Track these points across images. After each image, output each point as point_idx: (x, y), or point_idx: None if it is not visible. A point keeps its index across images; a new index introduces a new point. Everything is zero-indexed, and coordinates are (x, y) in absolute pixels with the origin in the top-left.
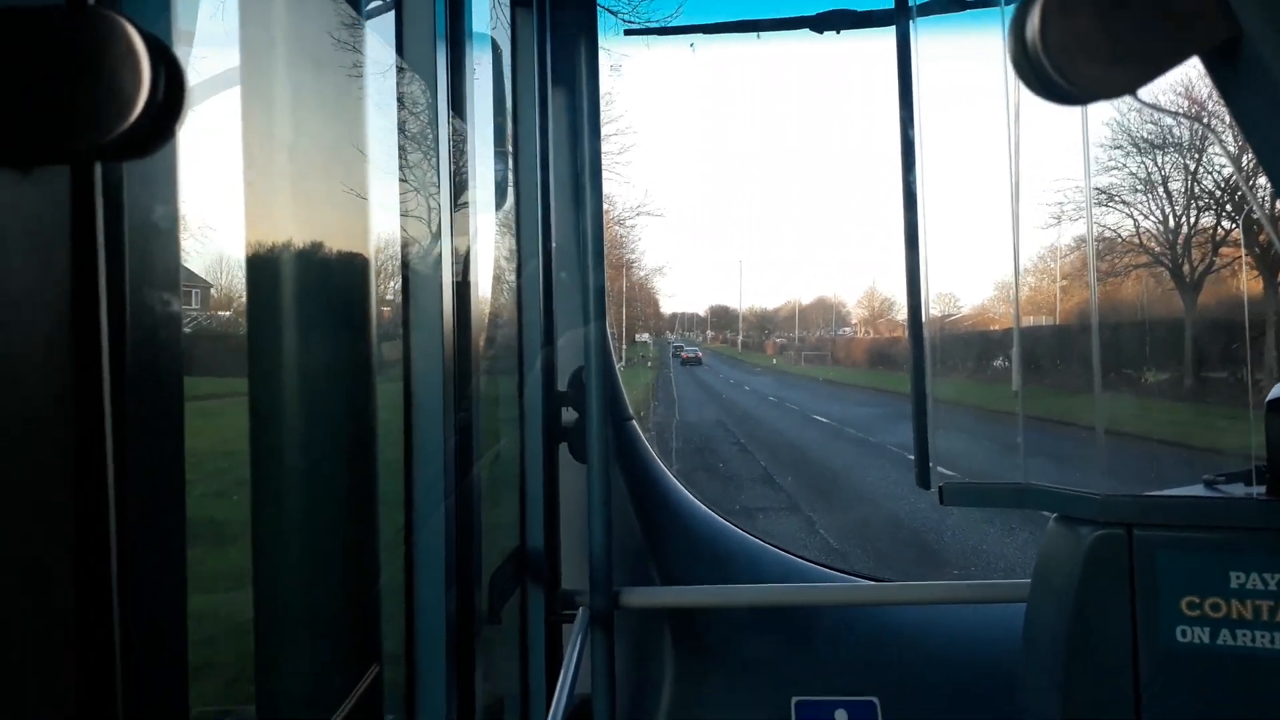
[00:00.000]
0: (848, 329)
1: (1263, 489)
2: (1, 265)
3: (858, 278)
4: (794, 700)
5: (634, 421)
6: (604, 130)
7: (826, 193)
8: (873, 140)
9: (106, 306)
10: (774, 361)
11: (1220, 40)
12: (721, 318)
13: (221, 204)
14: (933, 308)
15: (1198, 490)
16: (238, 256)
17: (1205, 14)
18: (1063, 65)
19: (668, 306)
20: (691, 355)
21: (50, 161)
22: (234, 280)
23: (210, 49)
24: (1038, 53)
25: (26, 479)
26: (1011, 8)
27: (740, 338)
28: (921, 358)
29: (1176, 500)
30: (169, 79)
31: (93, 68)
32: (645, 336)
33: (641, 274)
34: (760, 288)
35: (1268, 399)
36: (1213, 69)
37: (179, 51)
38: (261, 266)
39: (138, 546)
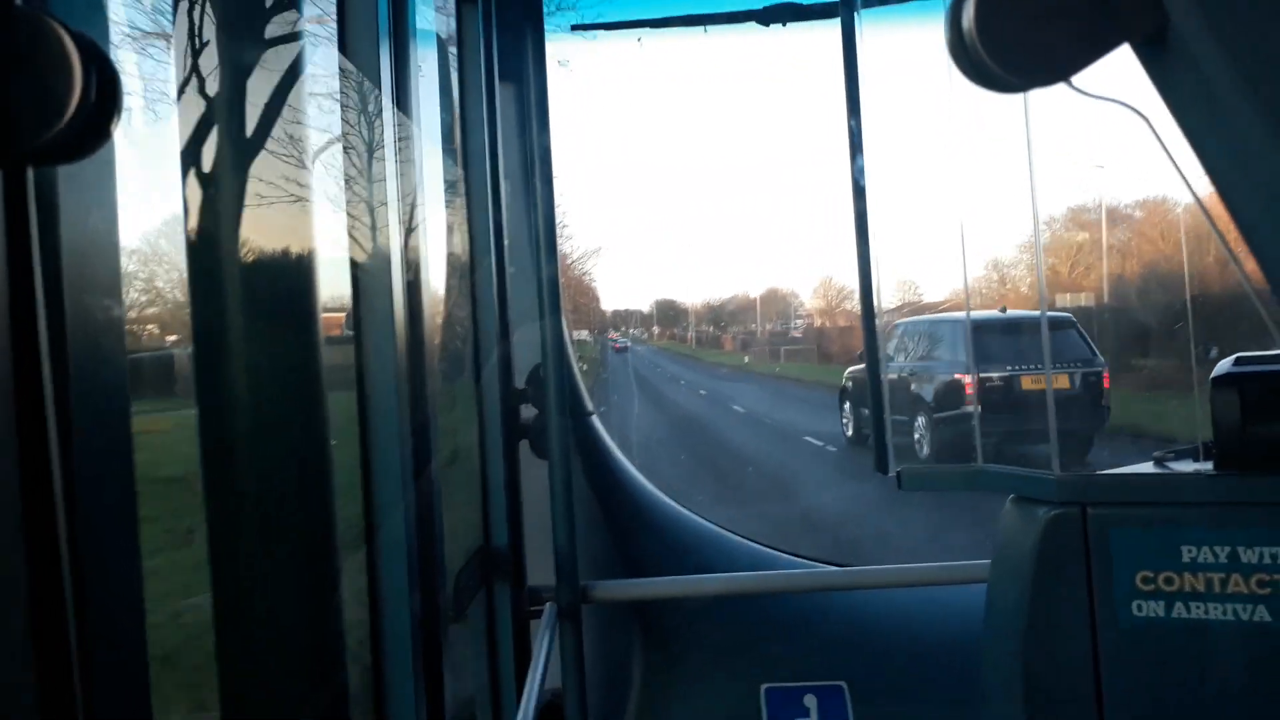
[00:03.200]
0: (799, 320)
1: (1210, 464)
2: None
3: (811, 268)
4: (764, 687)
5: (595, 416)
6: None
7: (776, 183)
8: (823, 131)
9: (45, 313)
10: (745, 360)
11: (1150, 28)
12: (668, 312)
13: (161, 207)
14: (893, 296)
15: (1148, 468)
16: (179, 260)
17: (1134, 2)
18: (998, 54)
19: (609, 302)
20: (622, 346)
21: None
22: (176, 283)
23: (144, 48)
24: (974, 41)
25: None
26: None
27: (692, 333)
28: (875, 346)
29: (1128, 478)
30: (102, 80)
31: (22, 70)
32: (584, 334)
33: (578, 256)
34: (708, 280)
35: (1211, 376)
36: (1144, 57)
37: (112, 52)
38: (205, 270)
39: (90, 556)
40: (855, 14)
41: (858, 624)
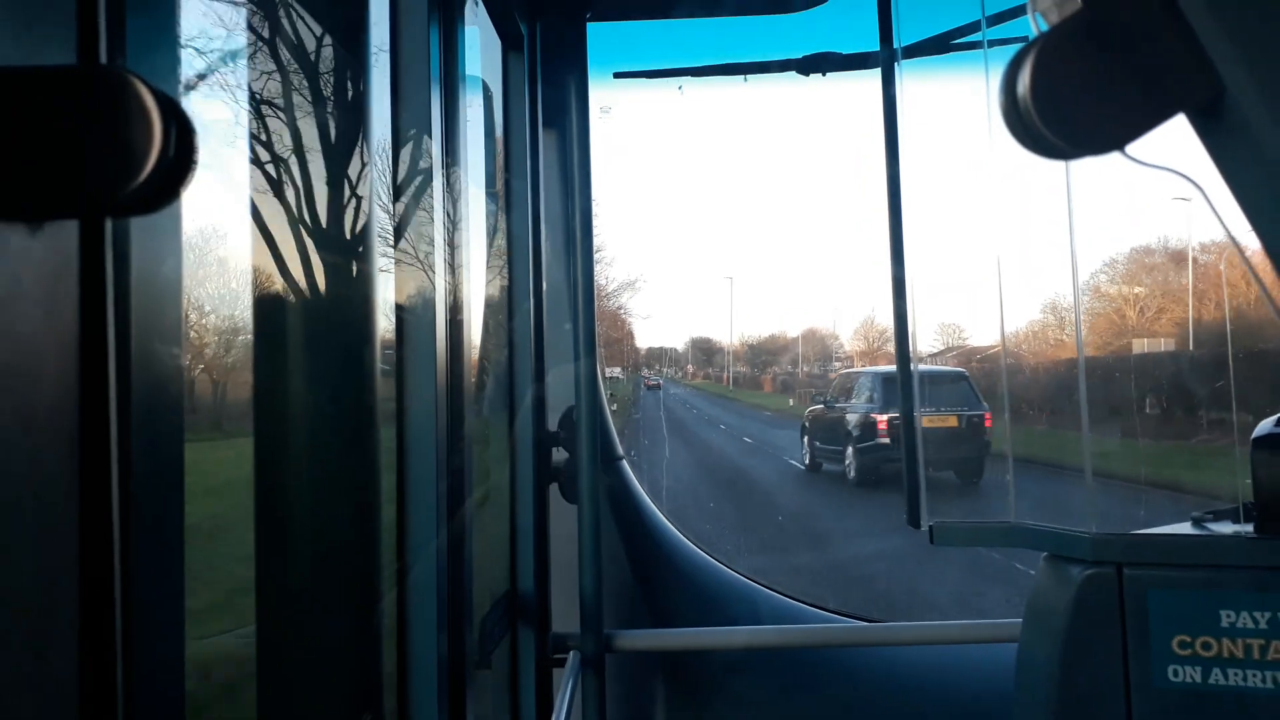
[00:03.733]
0: (837, 363)
1: (1250, 526)
2: (13, 316)
3: (852, 310)
4: None
5: (625, 461)
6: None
7: (814, 224)
8: (862, 174)
9: (114, 359)
10: (790, 403)
11: (1205, 98)
12: (703, 351)
13: (219, 249)
14: (934, 340)
15: (1185, 528)
16: (236, 297)
17: (1189, 71)
18: (1052, 122)
19: (643, 339)
20: (654, 383)
21: (62, 216)
22: (232, 321)
23: (215, 103)
24: (1028, 109)
25: (34, 532)
26: (995, 50)
27: (729, 372)
28: (910, 397)
29: (1166, 539)
30: (180, 136)
31: (106, 126)
32: (616, 371)
33: (612, 289)
34: (746, 319)
35: (1252, 436)
36: (1198, 125)
37: (188, 108)
38: (258, 305)
39: (139, 593)
40: (895, 64)
41: (887, 679)
